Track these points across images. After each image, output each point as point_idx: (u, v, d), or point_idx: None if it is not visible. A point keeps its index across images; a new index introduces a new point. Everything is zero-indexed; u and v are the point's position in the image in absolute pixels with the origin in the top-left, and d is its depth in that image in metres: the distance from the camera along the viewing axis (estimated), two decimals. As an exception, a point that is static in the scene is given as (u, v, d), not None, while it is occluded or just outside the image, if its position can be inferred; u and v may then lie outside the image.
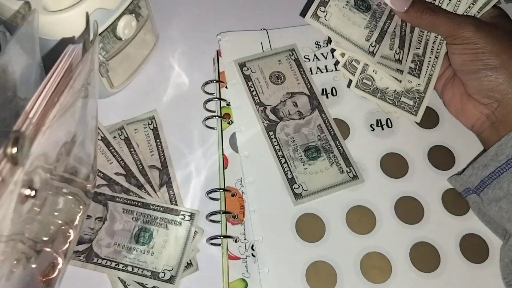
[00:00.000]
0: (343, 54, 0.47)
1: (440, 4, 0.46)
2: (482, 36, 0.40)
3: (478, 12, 0.45)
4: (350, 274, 0.41)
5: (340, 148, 0.45)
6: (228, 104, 0.48)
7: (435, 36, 0.47)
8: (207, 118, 0.48)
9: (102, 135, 0.46)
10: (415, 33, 0.46)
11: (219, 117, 0.47)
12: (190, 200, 0.45)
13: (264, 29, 0.52)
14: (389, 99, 0.46)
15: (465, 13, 0.45)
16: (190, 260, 0.42)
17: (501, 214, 0.40)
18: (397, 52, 0.44)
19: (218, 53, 0.50)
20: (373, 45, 0.44)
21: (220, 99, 0.48)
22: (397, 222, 0.43)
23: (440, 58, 0.46)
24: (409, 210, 0.44)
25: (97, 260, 0.41)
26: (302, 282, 0.40)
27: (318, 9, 0.44)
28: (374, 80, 0.46)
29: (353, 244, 0.42)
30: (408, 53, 0.45)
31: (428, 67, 0.46)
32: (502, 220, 0.40)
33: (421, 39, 0.46)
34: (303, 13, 0.49)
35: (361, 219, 0.43)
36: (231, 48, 0.50)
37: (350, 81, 0.47)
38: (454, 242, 0.42)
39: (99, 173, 0.44)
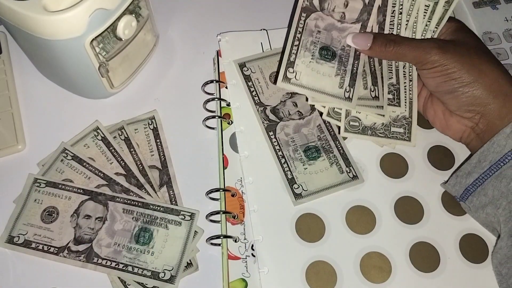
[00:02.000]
0: (324, 105, 0.46)
1: (399, 27, 0.45)
2: (449, 57, 0.41)
3: (436, 27, 0.45)
4: (350, 274, 0.41)
5: (340, 148, 0.45)
6: (228, 104, 0.48)
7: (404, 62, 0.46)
8: (207, 118, 0.48)
9: (102, 135, 0.46)
10: (384, 65, 0.45)
11: (219, 117, 0.47)
12: (190, 200, 0.45)
13: (264, 29, 0.52)
14: (380, 133, 0.45)
15: (424, 32, 0.45)
16: (190, 260, 0.42)
17: (489, 219, 0.40)
18: (372, 89, 0.44)
19: (218, 53, 0.50)
20: (347, 90, 0.43)
21: (220, 99, 0.48)
22: (396, 222, 0.43)
23: (415, 80, 0.46)
24: (408, 210, 0.44)
25: (97, 260, 0.41)
26: (302, 282, 0.40)
27: (287, 71, 0.43)
28: (360, 120, 0.45)
29: (353, 244, 0.42)
30: (382, 86, 0.45)
31: (405, 92, 0.45)
32: (493, 224, 0.41)
33: (391, 68, 0.46)
34: (274, 81, 0.47)
35: (361, 219, 0.43)
36: (231, 48, 0.50)
37: (339, 127, 0.45)
38: (453, 242, 0.42)
39: (99, 173, 0.45)
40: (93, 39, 0.40)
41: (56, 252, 0.41)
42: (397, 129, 0.45)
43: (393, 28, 0.45)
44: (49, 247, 0.42)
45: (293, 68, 0.43)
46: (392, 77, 0.45)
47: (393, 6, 0.45)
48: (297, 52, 0.43)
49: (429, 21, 0.45)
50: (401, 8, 0.45)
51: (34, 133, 0.47)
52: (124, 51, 0.45)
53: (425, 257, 0.42)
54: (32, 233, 0.42)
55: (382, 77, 0.45)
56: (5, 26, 0.42)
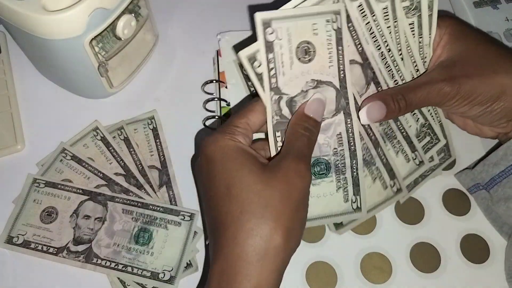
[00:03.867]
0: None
1: (395, 63, 0.39)
2: (467, 88, 0.38)
3: (429, 37, 0.40)
4: (350, 275, 0.41)
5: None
6: (228, 104, 0.48)
7: None
8: (207, 118, 0.48)
9: (102, 135, 0.46)
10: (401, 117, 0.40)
11: (219, 117, 0.47)
12: (190, 200, 0.44)
13: (264, 29, 0.51)
14: (427, 172, 0.42)
15: (420, 49, 0.40)
16: (189, 261, 0.42)
17: (509, 213, 0.40)
18: (414, 157, 0.40)
19: (218, 53, 0.50)
20: (353, 200, 0.37)
21: (220, 99, 0.48)
22: (397, 222, 0.43)
23: None
24: (409, 210, 0.44)
25: (97, 261, 0.41)
26: (302, 282, 0.40)
27: None
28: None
29: (353, 244, 0.42)
30: (413, 143, 0.40)
31: (434, 120, 0.41)
32: (509, 219, 0.40)
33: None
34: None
35: (361, 220, 0.43)
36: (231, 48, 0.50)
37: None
38: (454, 242, 0.42)
39: (99, 173, 0.44)
40: (92, 39, 0.40)
41: (55, 252, 0.41)
42: (439, 157, 0.43)
43: (391, 71, 0.39)
44: (48, 248, 0.41)
45: None
46: (418, 118, 0.41)
47: (378, 48, 0.38)
48: None
49: (420, 37, 0.40)
50: (388, 46, 0.38)
51: (33, 133, 0.47)
52: (123, 51, 0.45)
53: (425, 257, 0.42)
54: (31, 233, 0.42)
55: (406, 133, 0.40)
56: (4, 26, 0.42)
